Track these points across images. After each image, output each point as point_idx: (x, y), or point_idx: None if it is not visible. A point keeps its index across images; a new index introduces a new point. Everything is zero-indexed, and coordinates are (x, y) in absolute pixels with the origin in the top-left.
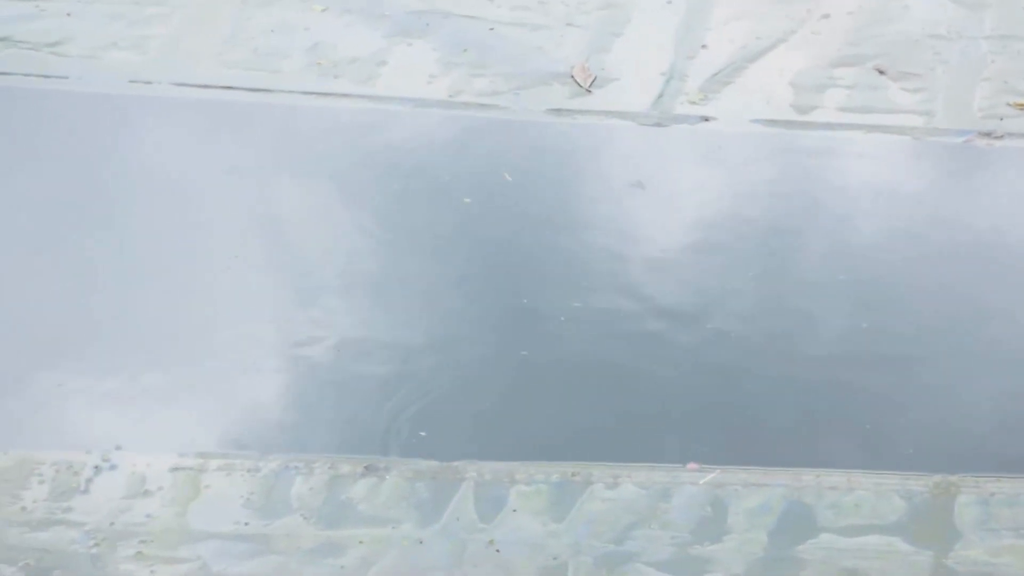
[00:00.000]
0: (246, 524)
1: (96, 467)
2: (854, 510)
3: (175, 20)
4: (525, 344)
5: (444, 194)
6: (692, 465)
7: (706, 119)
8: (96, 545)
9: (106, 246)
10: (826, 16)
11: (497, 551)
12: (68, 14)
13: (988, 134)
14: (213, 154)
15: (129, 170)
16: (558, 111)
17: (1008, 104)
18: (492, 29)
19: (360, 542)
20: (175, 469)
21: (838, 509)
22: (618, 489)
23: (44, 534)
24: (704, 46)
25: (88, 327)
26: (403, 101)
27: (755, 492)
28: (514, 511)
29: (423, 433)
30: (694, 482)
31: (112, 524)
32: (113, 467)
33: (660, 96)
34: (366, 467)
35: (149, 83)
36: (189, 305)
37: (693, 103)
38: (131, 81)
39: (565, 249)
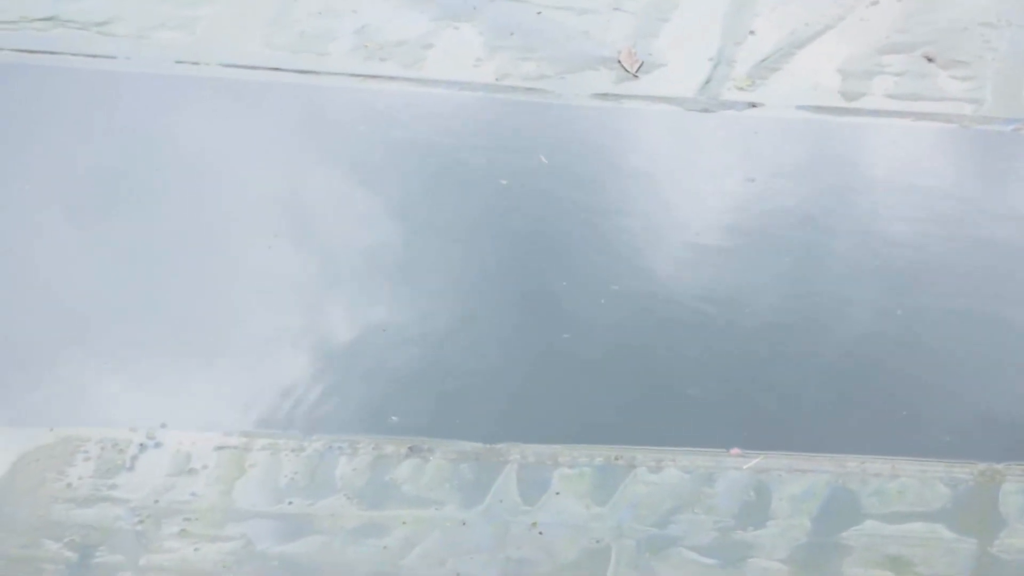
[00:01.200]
0: (290, 503)
1: (141, 445)
2: (898, 497)
3: (223, 1)
4: (567, 327)
5: (488, 178)
6: (736, 450)
7: (753, 105)
8: (141, 522)
9: (151, 225)
10: (875, 3)
11: (540, 533)
12: None
13: None
14: (259, 135)
15: (174, 150)
16: (604, 96)
17: None
18: (539, 13)
19: (403, 523)
20: (220, 448)
21: (882, 496)
22: (662, 473)
23: (89, 511)
24: (752, 32)
25: (135, 306)
26: (449, 84)
27: (799, 478)
28: (557, 494)
29: (467, 415)
30: (738, 467)
31: (157, 502)
32: (158, 445)
33: (707, 82)
34: (410, 448)
35: (196, 64)
36: (233, 285)
37: (740, 89)
38: (178, 62)
39: (605, 232)
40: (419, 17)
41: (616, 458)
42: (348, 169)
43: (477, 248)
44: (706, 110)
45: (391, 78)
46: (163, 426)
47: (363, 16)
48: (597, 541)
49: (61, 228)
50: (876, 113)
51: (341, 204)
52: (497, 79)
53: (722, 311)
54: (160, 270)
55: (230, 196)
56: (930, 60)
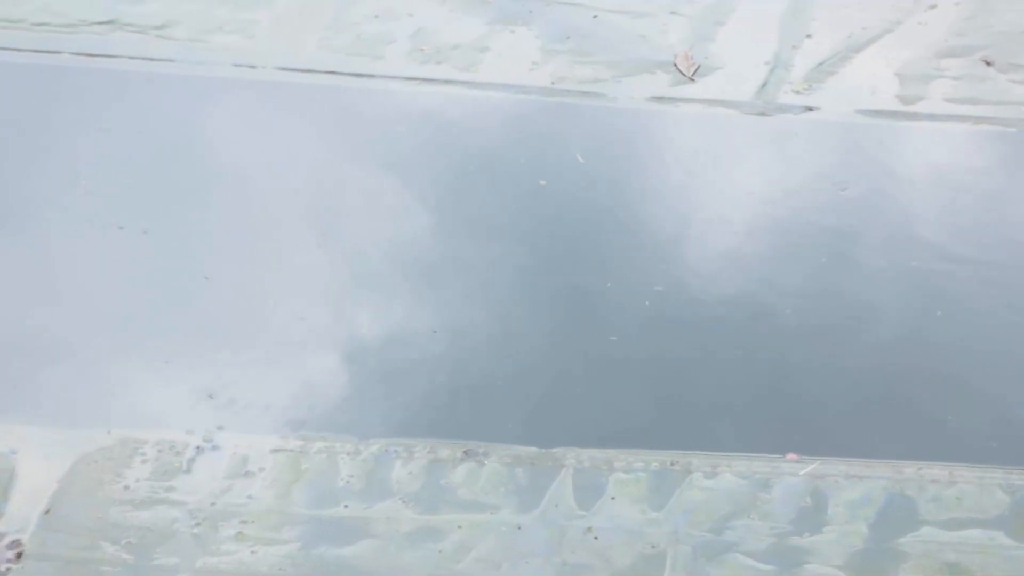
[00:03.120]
0: (345, 507)
1: (198, 448)
2: (956, 503)
3: (280, 5)
4: (613, 329)
5: (543, 180)
6: (792, 456)
7: (810, 109)
8: (198, 525)
9: (207, 228)
10: (933, 6)
11: (595, 538)
12: None
13: None
14: (315, 138)
15: (230, 153)
16: (660, 99)
17: None
18: (595, 17)
19: (459, 527)
20: (276, 451)
21: (940, 502)
22: (717, 479)
23: (146, 513)
24: (809, 35)
25: (192, 308)
26: (505, 88)
27: (856, 484)
28: (612, 499)
29: (522, 419)
30: (794, 473)
31: (213, 504)
32: (215, 448)
33: (764, 85)
34: (465, 452)
35: (253, 67)
36: (288, 288)
37: (797, 93)
38: (235, 65)
39: (654, 234)
40: (475, 21)
41: (672, 463)
42: (402, 172)
43: (526, 250)
44: (762, 114)
45: (446, 81)
46: (220, 429)
47: (419, 19)
48: (653, 546)
49: (118, 230)
50: (934, 117)
51: (393, 207)
52: (553, 83)
53: (776, 315)
54: (216, 273)
55: (285, 199)
56: (988, 64)
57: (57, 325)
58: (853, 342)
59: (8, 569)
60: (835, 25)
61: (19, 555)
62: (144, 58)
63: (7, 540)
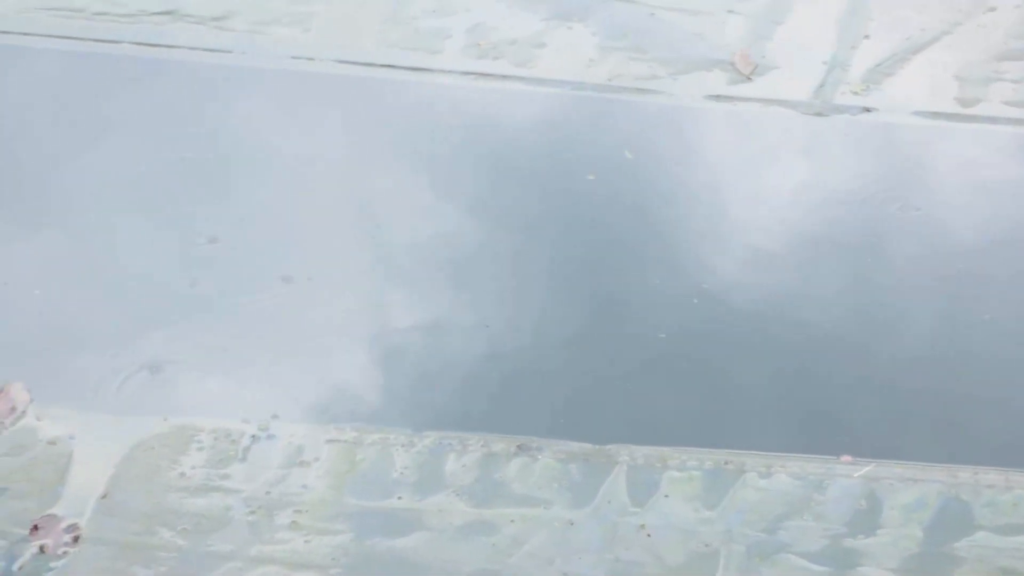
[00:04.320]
0: (399, 498)
1: (254, 436)
2: (1012, 509)
3: None
4: (663, 326)
5: (598, 179)
6: (847, 458)
7: (867, 110)
8: (252, 513)
9: (262, 219)
10: (992, 9)
11: (648, 536)
12: None
13: None
14: (370, 131)
15: (287, 145)
16: (717, 97)
17: None
18: (653, 14)
19: (511, 521)
20: (331, 441)
21: (995, 507)
22: (771, 479)
23: (202, 500)
24: (867, 36)
25: (249, 298)
26: (561, 84)
27: (911, 487)
28: (666, 496)
29: (576, 415)
30: (848, 475)
31: (268, 493)
32: (271, 437)
33: (821, 85)
34: (519, 447)
35: (311, 59)
36: (345, 281)
37: (855, 93)
38: (293, 57)
39: (705, 231)
40: (532, 17)
41: (726, 462)
42: (457, 166)
43: (578, 245)
44: (819, 114)
45: (503, 76)
46: (275, 418)
47: (476, 14)
48: (706, 545)
49: (173, 220)
50: (993, 120)
51: (448, 201)
52: (609, 79)
53: (832, 316)
54: (272, 263)
55: (341, 192)
56: None
57: (116, 313)
58: (909, 345)
59: (65, 552)
60: (893, 26)
61: (76, 539)
62: (202, 49)
63: (65, 524)
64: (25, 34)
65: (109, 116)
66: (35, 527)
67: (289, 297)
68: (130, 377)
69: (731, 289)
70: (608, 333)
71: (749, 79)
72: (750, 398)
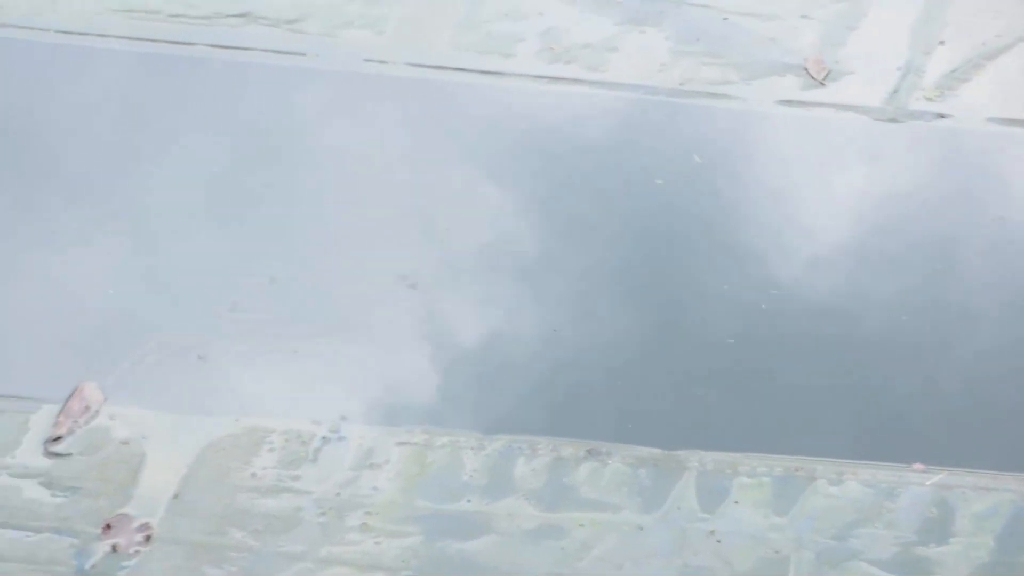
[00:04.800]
0: (468, 502)
1: (324, 438)
2: None
3: (412, 1)
4: (730, 332)
5: (666, 183)
6: (918, 466)
7: (942, 116)
8: (323, 514)
9: (334, 221)
10: None
11: (718, 542)
12: None
13: None
14: (442, 135)
15: (360, 148)
16: (789, 102)
17: None
18: (726, 19)
19: (580, 525)
20: (402, 444)
21: None
22: (842, 486)
23: (272, 501)
24: (942, 42)
25: (319, 301)
26: (633, 88)
27: (983, 496)
28: (736, 502)
29: (645, 420)
30: (920, 483)
31: (339, 494)
32: (341, 439)
33: (895, 91)
34: (588, 451)
35: (384, 62)
36: (414, 283)
37: (929, 99)
38: (366, 60)
39: (774, 237)
40: (605, 21)
41: (796, 469)
42: (526, 170)
43: (646, 250)
44: (893, 120)
45: (575, 80)
46: (346, 420)
47: (549, 18)
48: (776, 552)
49: (246, 221)
50: None
51: (516, 204)
52: (681, 84)
53: (904, 323)
54: (344, 267)
55: (410, 195)
56: None
57: (189, 315)
58: (981, 352)
59: (137, 552)
60: (968, 32)
61: (148, 538)
62: (277, 51)
63: (137, 523)
64: (100, 35)
65: (182, 118)
66: (108, 526)
67: (359, 300)
68: (202, 378)
69: (800, 295)
70: (676, 338)
71: (822, 84)
72: (820, 404)
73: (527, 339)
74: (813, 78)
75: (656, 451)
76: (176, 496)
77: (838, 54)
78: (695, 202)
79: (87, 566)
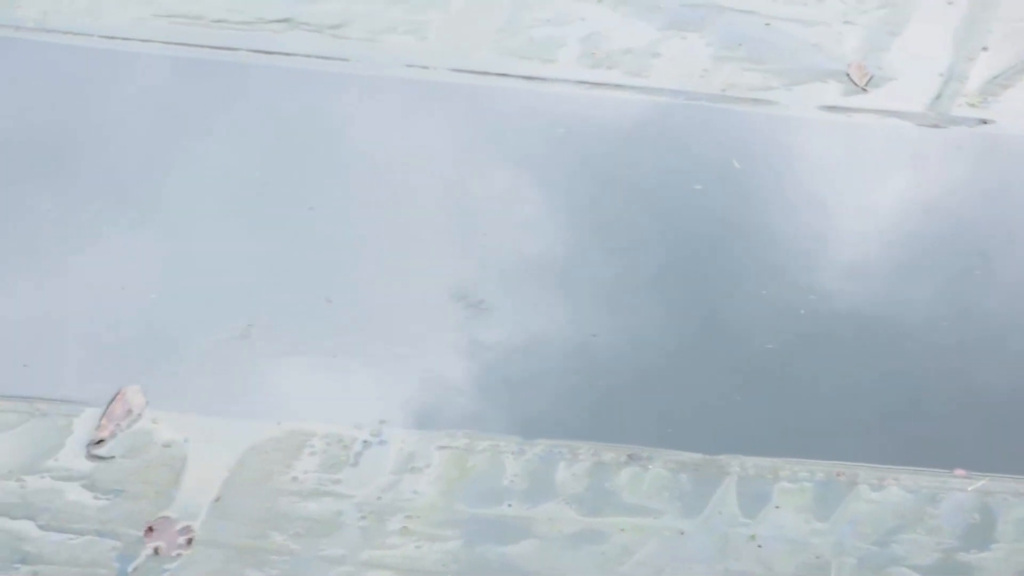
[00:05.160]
0: (509, 506)
1: (365, 442)
2: None
3: (453, 7)
4: (769, 337)
5: (704, 189)
6: (960, 471)
7: (984, 122)
8: (364, 518)
9: (375, 225)
10: None
11: (759, 547)
12: None
13: None
14: (483, 140)
15: (401, 153)
16: (832, 108)
17: None
18: (768, 24)
19: (621, 530)
20: (442, 448)
21: None
22: (884, 491)
23: (314, 504)
24: (985, 48)
25: (361, 305)
26: (675, 94)
27: None
28: (777, 507)
29: (686, 424)
30: (962, 488)
31: (380, 498)
32: (382, 443)
33: (938, 97)
34: (629, 456)
35: (426, 68)
36: (456, 287)
37: (972, 105)
38: (408, 65)
39: (812, 242)
40: (647, 26)
41: (837, 474)
42: (566, 175)
43: (685, 254)
44: (935, 126)
45: (617, 86)
46: (387, 424)
47: (591, 24)
48: (817, 557)
49: (288, 227)
50: None
51: (556, 209)
52: (723, 89)
53: (944, 329)
54: (385, 271)
55: (451, 200)
56: None
57: (230, 318)
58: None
59: (179, 555)
60: (1012, 38)
61: (190, 541)
62: (319, 56)
63: (179, 526)
64: (143, 41)
65: (225, 123)
66: (150, 529)
67: (400, 305)
68: (244, 382)
69: (840, 300)
70: (715, 343)
71: (864, 90)
72: (861, 410)
73: (568, 344)
74: (855, 84)
75: (697, 456)
76: (218, 499)
77: (881, 60)
78: (734, 207)
79: (129, 569)
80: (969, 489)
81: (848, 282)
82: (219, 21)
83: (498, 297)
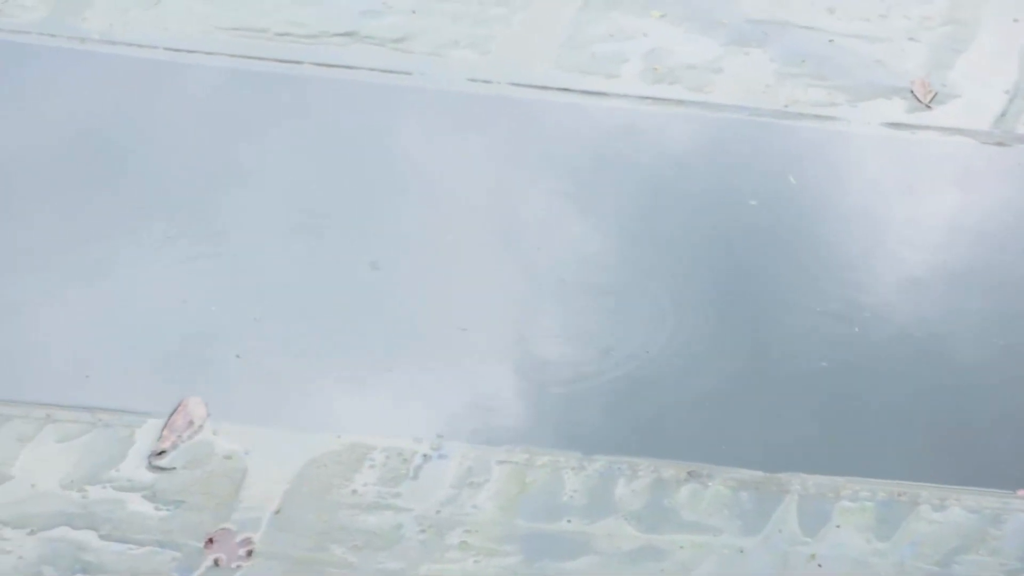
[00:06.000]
0: (568, 522)
1: (425, 455)
2: None
3: (516, 22)
4: (825, 355)
5: (774, 202)
6: (1023, 492)
7: None
8: (423, 532)
9: (440, 239)
10: None
11: (819, 566)
12: (413, 11)
13: None
14: (544, 155)
15: (462, 167)
16: (895, 125)
17: None
18: (831, 41)
19: (680, 547)
20: (502, 462)
21: None
22: (945, 512)
23: (373, 517)
24: None
25: (422, 319)
26: (737, 109)
27: None
28: (837, 527)
29: (747, 442)
30: None
31: (439, 512)
32: (442, 457)
33: (1002, 115)
34: (689, 473)
35: (488, 82)
36: (516, 302)
37: None
38: (471, 79)
39: (870, 259)
40: (710, 42)
41: (899, 494)
42: (625, 190)
43: (739, 271)
44: (1000, 144)
45: (678, 102)
46: (447, 438)
47: (653, 39)
48: None
49: (349, 241)
50: None
51: (614, 224)
52: (786, 105)
53: (1004, 349)
54: (444, 285)
55: (514, 213)
56: None
57: (292, 333)
58: None
59: (239, 566)
60: None
61: (250, 553)
62: (382, 70)
63: (239, 538)
64: (208, 53)
65: (287, 137)
66: (210, 540)
67: (460, 319)
68: (305, 395)
69: (902, 318)
70: (775, 360)
71: (928, 107)
72: (923, 429)
73: (627, 360)
74: (919, 101)
75: (757, 474)
76: (278, 511)
77: (945, 77)
78: (789, 223)
79: None
80: None
81: (908, 300)
82: (283, 34)
83: (556, 312)
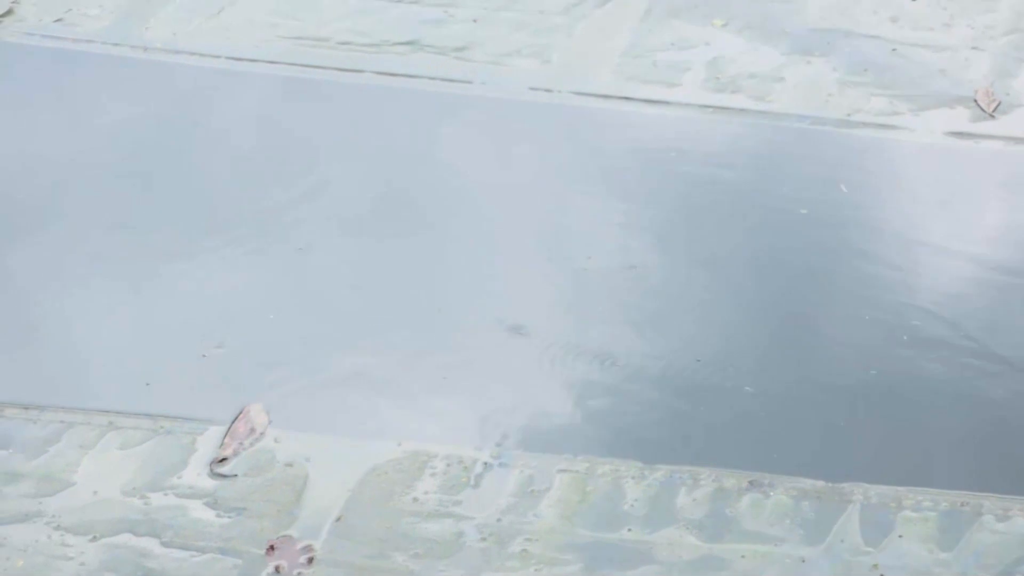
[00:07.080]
0: (628, 531)
1: (486, 464)
2: None
3: (577, 31)
4: (876, 363)
5: (833, 212)
6: None
7: None
8: (484, 540)
9: (497, 248)
10: None
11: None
12: (475, 20)
13: None
14: (605, 164)
15: (524, 175)
16: (959, 134)
17: None
18: (894, 50)
19: (742, 557)
20: (563, 471)
21: None
22: (1009, 522)
23: (434, 525)
24: None
25: (482, 328)
26: (799, 118)
27: None
28: (900, 537)
29: (808, 451)
30: None
31: (500, 520)
32: (503, 465)
33: None
34: (750, 482)
35: (549, 91)
36: (579, 312)
37: None
38: (531, 88)
39: (923, 268)
40: (772, 51)
41: (962, 504)
42: (687, 198)
43: (799, 280)
44: None
45: (740, 110)
46: (508, 446)
47: (715, 48)
48: None
49: (410, 247)
50: None
51: (671, 232)
52: (848, 114)
53: None
54: (505, 292)
55: (574, 221)
56: None
57: (351, 339)
58: None
59: (300, 574)
60: None
61: (311, 560)
62: (443, 79)
63: (300, 545)
64: (270, 62)
65: (349, 145)
66: (271, 547)
67: (517, 328)
68: (366, 402)
69: (963, 328)
70: (835, 368)
71: (992, 116)
72: (987, 439)
73: (688, 369)
74: (983, 110)
75: (819, 483)
76: (339, 519)
77: (1009, 86)
78: (840, 231)
79: None
80: None
81: (969, 309)
82: (345, 43)
83: (619, 321)
